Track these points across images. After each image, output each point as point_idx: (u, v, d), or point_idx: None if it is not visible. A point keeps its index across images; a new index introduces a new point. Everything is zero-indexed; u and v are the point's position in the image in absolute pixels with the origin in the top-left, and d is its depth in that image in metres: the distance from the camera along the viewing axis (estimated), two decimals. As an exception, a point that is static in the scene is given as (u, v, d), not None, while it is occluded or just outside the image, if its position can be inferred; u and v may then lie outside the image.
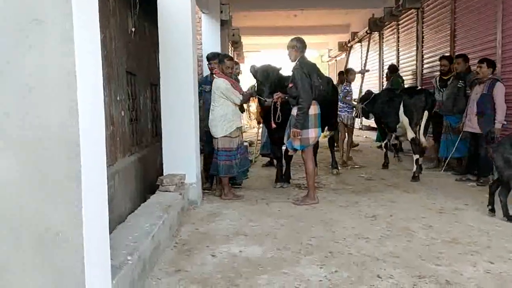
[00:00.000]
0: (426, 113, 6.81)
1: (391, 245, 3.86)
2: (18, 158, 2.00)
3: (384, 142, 8.16)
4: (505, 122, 5.96)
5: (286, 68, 5.91)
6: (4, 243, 2.04)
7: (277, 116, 5.63)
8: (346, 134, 8.39)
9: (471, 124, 6.22)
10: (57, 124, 1.98)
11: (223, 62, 5.73)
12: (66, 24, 1.92)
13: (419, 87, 8.22)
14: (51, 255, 2.03)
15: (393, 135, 7.85)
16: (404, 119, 6.95)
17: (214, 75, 5.87)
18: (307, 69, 5.24)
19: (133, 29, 5.45)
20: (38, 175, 2.00)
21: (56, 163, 1.99)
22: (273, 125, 5.71)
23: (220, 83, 5.59)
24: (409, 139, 6.95)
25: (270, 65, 6.12)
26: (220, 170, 5.62)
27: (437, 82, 7.48)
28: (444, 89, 7.24)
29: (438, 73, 7.76)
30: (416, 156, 6.82)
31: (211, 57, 6.38)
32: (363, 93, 9.49)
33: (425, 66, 9.82)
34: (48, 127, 1.98)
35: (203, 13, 9.97)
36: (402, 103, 6.97)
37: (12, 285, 2.06)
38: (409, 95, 7.01)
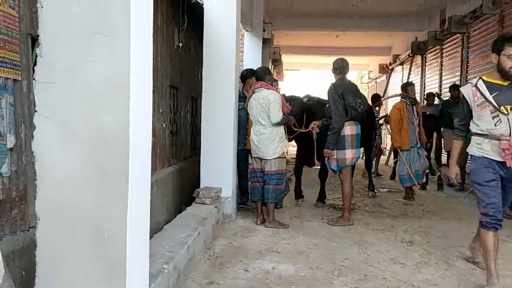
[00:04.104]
0: (435, 134, 8.23)
1: (428, 273, 3.76)
2: (80, 153, 2.14)
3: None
4: None
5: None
6: (62, 234, 2.15)
7: (315, 151, 5.59)
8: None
9: None
10: (114, 126, 2.11)
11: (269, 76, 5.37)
12: (124, 38, 2.06)
13: (428, 113, 8.42)
14: (104, 249, 2.13)
15: None
16: None
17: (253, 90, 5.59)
18: (341, 90, 5.21)
19: (180, 44, 5.61)
20: (96, 171, 2.12)
21: (114, 161, 2.11)
22: (317, 163, 5.69)
23: (272, 94, 5.08)
24: None
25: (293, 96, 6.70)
26: (271, 196, 5.08)
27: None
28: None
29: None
30: None
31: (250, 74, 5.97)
32: None
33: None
34: (107, 128, 2.11)
35: (246, 31, 10.14)
36: None
37: (66, 275, 2.16)
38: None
